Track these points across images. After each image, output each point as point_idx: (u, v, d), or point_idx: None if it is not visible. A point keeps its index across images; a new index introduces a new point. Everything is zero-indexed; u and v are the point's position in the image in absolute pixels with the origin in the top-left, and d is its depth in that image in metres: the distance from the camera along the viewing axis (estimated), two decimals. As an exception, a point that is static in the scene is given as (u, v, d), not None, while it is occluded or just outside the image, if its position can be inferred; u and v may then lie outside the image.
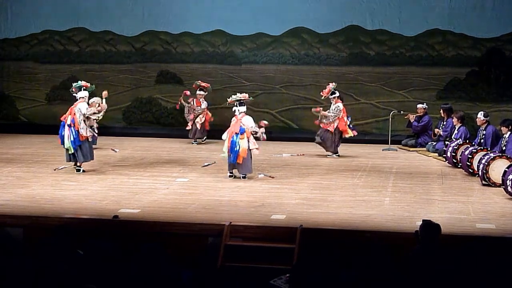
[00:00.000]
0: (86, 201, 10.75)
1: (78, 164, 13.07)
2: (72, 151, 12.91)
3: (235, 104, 12.91)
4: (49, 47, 19.72)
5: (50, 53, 19.68)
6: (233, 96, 13.03)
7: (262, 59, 19.00)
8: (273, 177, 12.84)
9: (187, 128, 17.45)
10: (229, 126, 12.94)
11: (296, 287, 5.80)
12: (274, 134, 18.35)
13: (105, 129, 18.41)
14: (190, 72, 19.17)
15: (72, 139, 12.82)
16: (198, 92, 17.46)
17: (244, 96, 13.03)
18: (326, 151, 15.51)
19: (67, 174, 12.97)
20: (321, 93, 15.58)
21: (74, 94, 13.25)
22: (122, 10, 19.15)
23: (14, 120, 19.11)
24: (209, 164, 14.11)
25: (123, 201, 10.81)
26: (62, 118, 13.06)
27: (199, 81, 17.68)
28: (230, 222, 9.39)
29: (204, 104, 17.42)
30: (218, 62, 19.12)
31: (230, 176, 12.75)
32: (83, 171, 13.05)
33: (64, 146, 12.97)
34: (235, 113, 12.88)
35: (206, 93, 17.53)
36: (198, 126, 17.32)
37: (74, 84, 13.35)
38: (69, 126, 12.87)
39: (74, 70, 19.56)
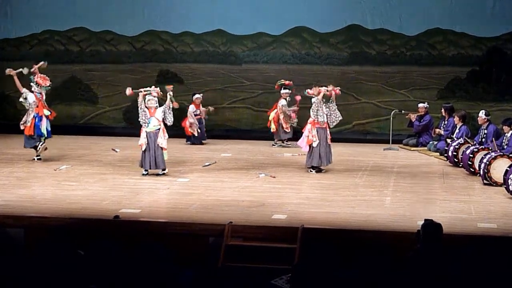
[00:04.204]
0: (87, 201, 10.74)
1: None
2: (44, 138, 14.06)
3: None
4: (49, 47, 19.69)
5: (51, 53, 19.61)
6: (143, 89, 13.04)
7: (262, 59, 18.97)
8: (274, 177, 12.83)
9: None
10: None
11: (297, 287, 5.80)
12: (275, 133, 18.35)
13: (106, 129, 18.45)
14: (191, 72, 19.14)
15: (49, 129, 14.10)
16: (283, 91, 16.83)
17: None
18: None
19: (68, 174, 12.96)
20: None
21: (37, 87, 14.37)
22: (122, 10, 19.12)
23: (15, 120, 19.07)
24: (210, 164, 14.10)
25: (124, 201, 10.79)
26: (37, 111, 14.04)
27: (282, 80, 17.14)
28: (231, 222, 9.38)
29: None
30: (219, 62, 19.09)
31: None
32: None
33: (39, 135, 14.00)
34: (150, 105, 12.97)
35: (290, 91, 16.92)
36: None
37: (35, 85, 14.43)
38: (47, 117, 14.10)
39: (75, 70, 19.55)
